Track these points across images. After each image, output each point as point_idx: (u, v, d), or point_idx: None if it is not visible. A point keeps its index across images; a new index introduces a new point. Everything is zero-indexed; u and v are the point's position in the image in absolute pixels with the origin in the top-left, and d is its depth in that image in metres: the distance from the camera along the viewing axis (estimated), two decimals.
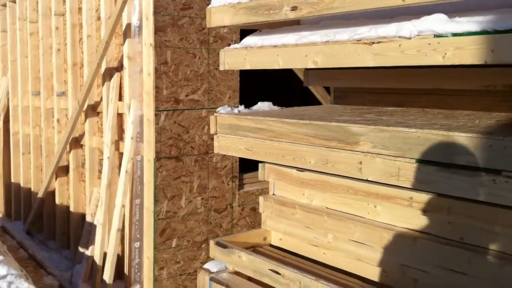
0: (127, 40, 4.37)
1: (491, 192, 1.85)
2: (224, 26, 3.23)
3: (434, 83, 2.74)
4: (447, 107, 2.76)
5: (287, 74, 4.12)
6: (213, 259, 3.04)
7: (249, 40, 3.00)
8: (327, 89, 3.94)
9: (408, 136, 2.04)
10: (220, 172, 4.38)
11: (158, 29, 4.05)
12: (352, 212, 2.62)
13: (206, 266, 3.10)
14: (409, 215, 2.36)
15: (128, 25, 4.35)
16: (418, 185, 2.04)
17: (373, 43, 2.22)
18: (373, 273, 2.51)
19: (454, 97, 2.72)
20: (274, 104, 3.28)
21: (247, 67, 2.89)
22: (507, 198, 1.82)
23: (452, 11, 2.08)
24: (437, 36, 2.00)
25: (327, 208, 2.74)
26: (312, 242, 2.79)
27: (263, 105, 3.20)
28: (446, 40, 1.98)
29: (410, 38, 2.09)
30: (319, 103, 4.34)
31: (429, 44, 2.02)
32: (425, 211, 2.30)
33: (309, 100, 4.65)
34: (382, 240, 2.41)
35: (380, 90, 3.11)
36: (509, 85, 2.42)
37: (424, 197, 2.30)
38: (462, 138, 1.90)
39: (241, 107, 3.09)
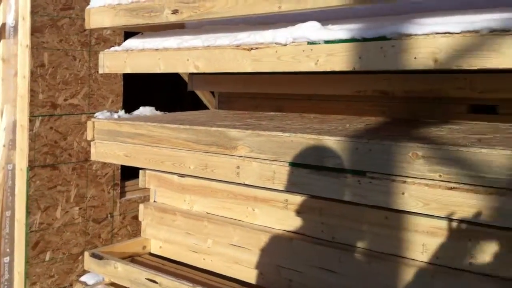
0: (1, 41, 4.07)
1: (356, 193, 1.95)
2: (104, 28, 3.13)
3: (311, 89, 2.85)
4: (324, 112, 2.89)
5: (178, 79, 4.08)
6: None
7: (130, 43, 2.93)
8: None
9: (282, 140, 2.10)
10: (100, 180, 4.21)
11: (35, 30, 3.82)
12: (232, 216, 2.63)
13: (82, 278, 2.96)
14: (285, 217, 2.42)
15: (3, 25, 4.06)
16: (291, 188, 2.10)
17: (252, 49, 2.26)
18: (251, 276, 2.53)
19: (329, 102, 2.85)
20: (160, 109, 3.23)
21: (128, 70, 2.82)
22: (370, 198, 1.93)
23: (325, 19, 2.19)
24: (311, 43, 2.09)
25: (207, 213, 2.73)
26: (192, 248, 2.76)
27: (145, 110, 3.13)
28: (318, 47, 2.07)
29: (285, 45, 2.16)
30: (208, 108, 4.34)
31: (303, 50, 2.11)
32: (299, 212, 2.37)
33: (200, 105, 4.64)
34: (260, 243, 2.45)
35: (263, 95, 3.18)
36: (379, 90, 2.58)
37: (298, 199, 2.37)
38: (331, 141, 1.98)
39: (121, 112, 3.00)
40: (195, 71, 2.49)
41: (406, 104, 2.55)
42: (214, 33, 2.56)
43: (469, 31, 1.76)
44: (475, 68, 1.76)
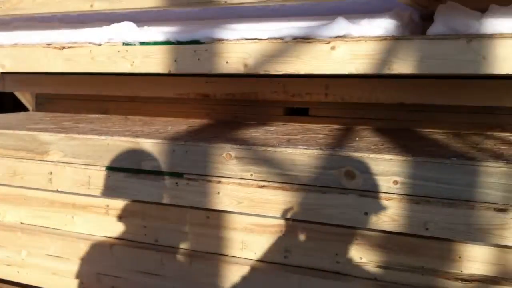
0: None
1: (174, 195, 1.96)
2: None
3: (136, 90, 2.79)
4: (150, 114, 2.85)
5: None
6: None
7: None
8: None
9: (98, 144, 2.03)
10: None
11: None
12: (50, 225, 2.47)
13: None
14: (106, 223, 2.34)
15: None
16: (108, 193, 2.04)
17: (64, 48, 2.15)
18: (71, 286, 2.40)
19: (155, 104, 2.82)
20: None
21: None
22: (188, 199, 1.95)
23: (142, 20, 2.16)
24: (126, 44, 2.05)
25: (21, 223, 2.53)
26: (5, 261, 2.53)
27: None
28: (134, 48, 2.03)
29: (100, 45, 2.09)
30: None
31: (119, 51, 2.06)
32: (121, 217, 2.31)
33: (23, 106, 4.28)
34: (80, 252, 2.33)
35: (87, 96, 3.04)
36: (201, 93, 2.61)
37: (120, 204, 2.30)
38: (148, 144, 1.96)
39: None
40: (1, 70, 2.30)
41: (228, 106, 2.62)
42: (23, 30, 2.38)
43: (275, 38, 1.87)
44: (281, 73, 1.87)
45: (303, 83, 2.32)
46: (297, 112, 2.52)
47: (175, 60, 1.97)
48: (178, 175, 1.94)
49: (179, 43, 1.97)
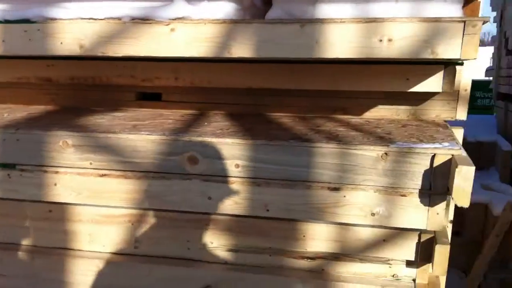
0: None
1: (7, 188, 1.81)
2: None
3: None
4: None
5: None
6: None
7: None
8: None
9: None
10: None
11: None
12: None
13: None
14: None
15: None
16: None
17: None
18: None
19: None
20: None
21: None
22: (23, 192, 1.81)
23: None
24: None
25: None
26: None
27: None
28: None
29: None
30: None
31: None
32: None
33: None
34: None
35: None
36: (42, 77, 2.40)
37: None
38: None
39: None
40: None
41: (74, 91, 2.45)
42: None
43: (112, 18, 1.78)
44: (120, 55, 1.79)
45: (152, 67, 2.24)
46: (150, 97, 2.43)
47: (3, 41, 1.81)
48: (10, 166, 1.79)
49: (7, 22, 1.81)
